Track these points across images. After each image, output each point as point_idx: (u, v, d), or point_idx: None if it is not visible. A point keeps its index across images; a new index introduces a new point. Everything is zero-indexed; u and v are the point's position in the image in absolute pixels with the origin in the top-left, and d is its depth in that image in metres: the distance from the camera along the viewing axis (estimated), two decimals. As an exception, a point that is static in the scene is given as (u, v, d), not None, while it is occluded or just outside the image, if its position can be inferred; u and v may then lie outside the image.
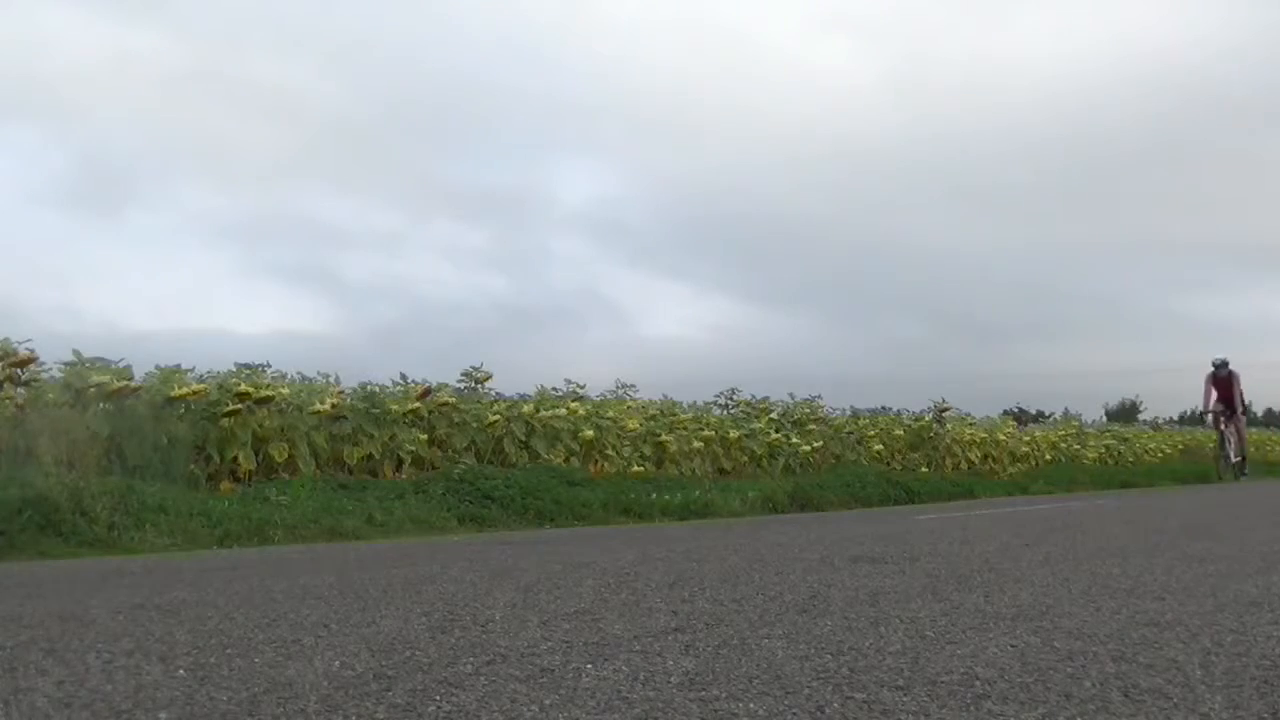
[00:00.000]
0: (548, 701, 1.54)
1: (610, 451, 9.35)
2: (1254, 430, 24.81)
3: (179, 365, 7.18)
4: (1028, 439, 15.34)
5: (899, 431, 13.01)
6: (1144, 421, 25.19)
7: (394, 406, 7.85)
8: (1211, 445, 16.72)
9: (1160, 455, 18.12)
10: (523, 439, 8.61)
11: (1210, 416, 16.08)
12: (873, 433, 12.59)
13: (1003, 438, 14.66)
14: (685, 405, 11.13)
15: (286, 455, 7.00)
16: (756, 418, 11.59)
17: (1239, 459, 16.00)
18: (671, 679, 1.68)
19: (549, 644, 1.99)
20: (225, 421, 6.72)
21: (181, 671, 1.77)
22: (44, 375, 6.57)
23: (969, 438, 13.85)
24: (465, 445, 8.25)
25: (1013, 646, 1.92)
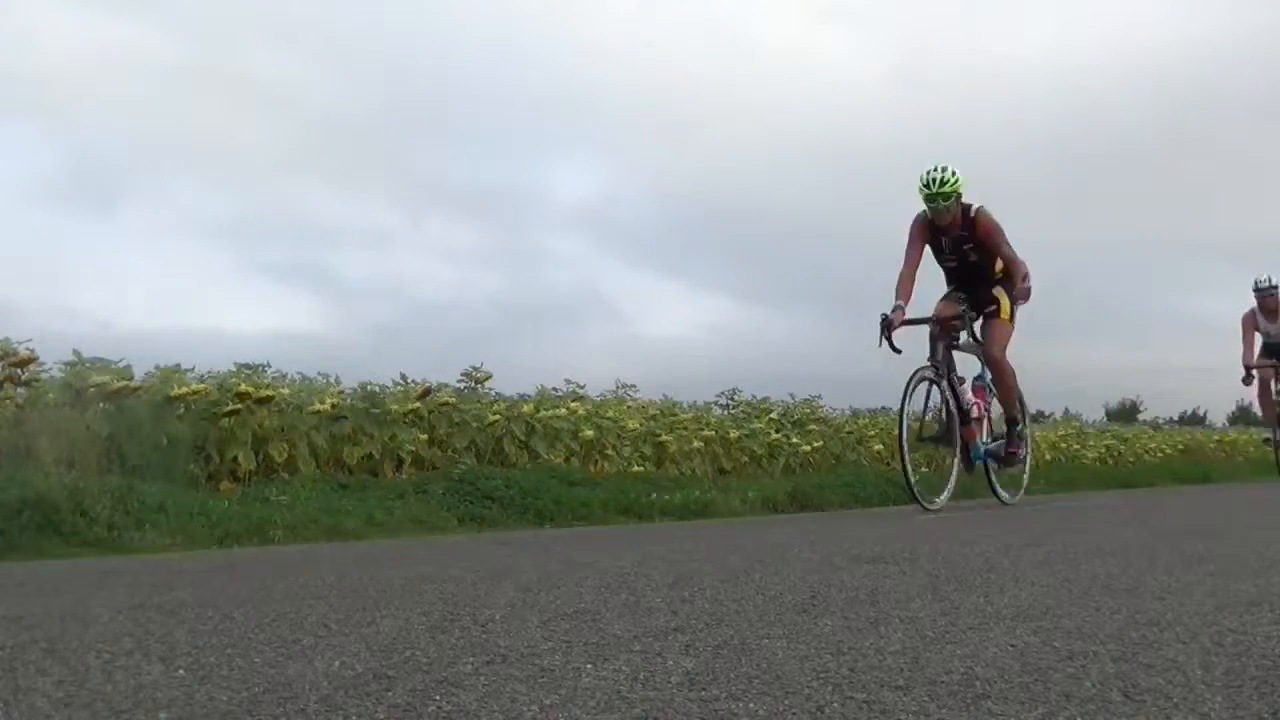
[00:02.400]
0: (548, 701, 1.54)
1: (610, 451, 9.35)
2: (1254, 430, 24.75)
3: (179, 365, 7.18)
4: (1028, 439, 15.33)
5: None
6: (1144, 421, 25.19)
7: (394, 406, 7.85)
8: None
9: (1160, 455, 18.12)
10: (523, 439, 8.60)
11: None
12: (873, 433, 12.58)
13: (1003, 438, 14.64)
14: (685, 405, 11.13)
15: (286, 455, 7.00)
16: (756, 418, 11.59)
17: None
18: (671, 679, 1.68)
19: (549, 644, 1.99)
20: (225, 421, 6.72)
21: (181, 671, 1.77)
22: (44, 375, 6.58)
23: (969, 438, 13.83)
24: (465, 445, 8.25)
25: (1013, 646, 1.92)
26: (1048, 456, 15.30)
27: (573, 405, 9.25)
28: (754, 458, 10.92)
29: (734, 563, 3.55)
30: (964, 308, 6.95)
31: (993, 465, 7.48)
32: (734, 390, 12.21)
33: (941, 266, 7.09)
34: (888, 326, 6.55)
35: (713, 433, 10.51)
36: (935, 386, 6.83)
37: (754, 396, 12.20)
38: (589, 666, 1.78)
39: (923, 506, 6.68)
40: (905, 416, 6.59)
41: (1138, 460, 17.29)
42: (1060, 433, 16.66)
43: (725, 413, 11.65)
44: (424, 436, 7.96)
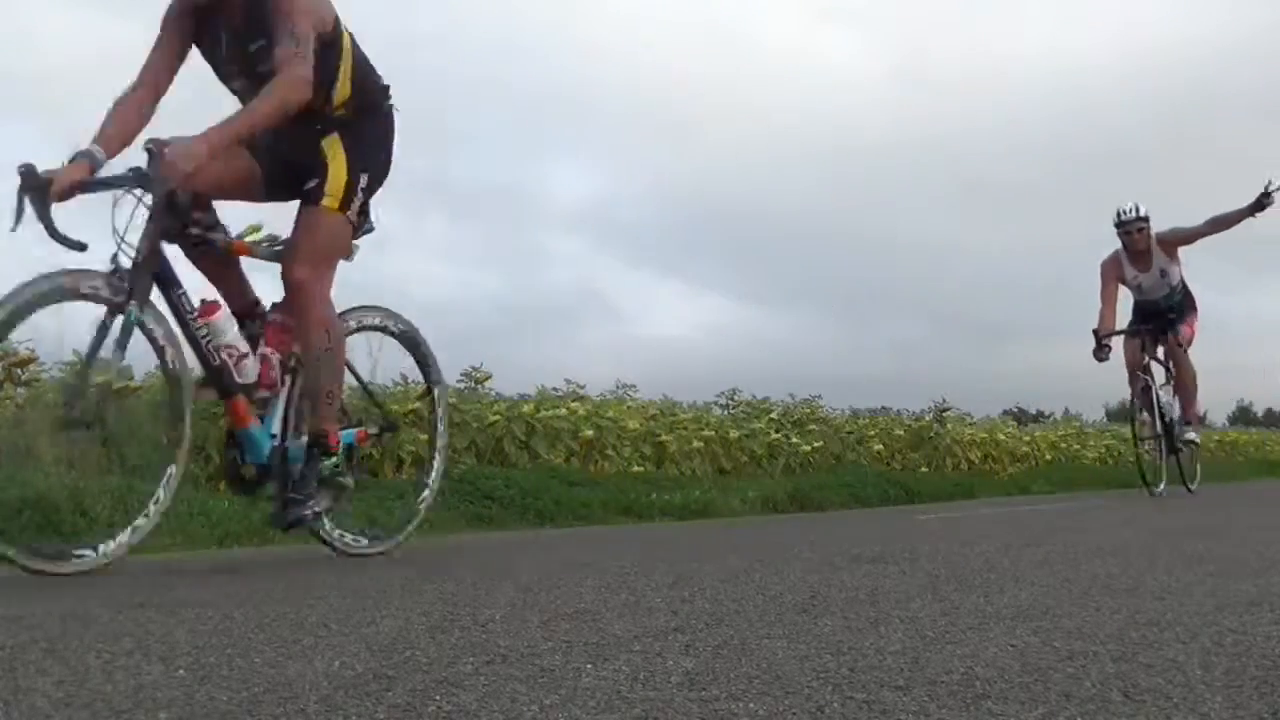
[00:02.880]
0: (548, 701, 1.54)
1: (610, 451, 9.35)
2: (1253, 430, 24.69)
3: (179, 365, 7.17)
4: (1028, 439, 15.35)
5: (899, 431, 13.01)
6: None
7: (394, 406, 7.85)
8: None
9: (1160, 455, 18.07)
10: (523, 439, 8.61)
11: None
12: (873, 433, 12.59)
13: (1003, 438, 14.66)
14: (685, 405, 11.14)
15: (286, 455, 6.99)
16: (756, 418, 11.59)
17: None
18: (671, 679, 1.68)
19: (549, 644, 1.99)
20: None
21: (181, 671, 1.77)
22: (44, 375, 6.58)
23: (969, 438, 13.85)
24: (465, 445, 8.25)
25: (1013, 646, 1.92)
26: (1048, 457, 15.31)
27: (573, 405, 9.26)
28: (754, 458, 10.92)
29: (734, 563, 3.55)
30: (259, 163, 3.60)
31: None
32: (734, 390, 12.23)
33: (227, 87, 3.62)
34: (34, 188, 3.15)
35: (713, 433, 10.51)
36: (120, 315, 3.29)
37: (754, 396, 12.22)
38: (589, 666, 1.78)
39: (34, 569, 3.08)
40: None
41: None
42: (1060, 433, 16.66)
43: (725, 413, 11.66)
44: (424, 436, 7.95)
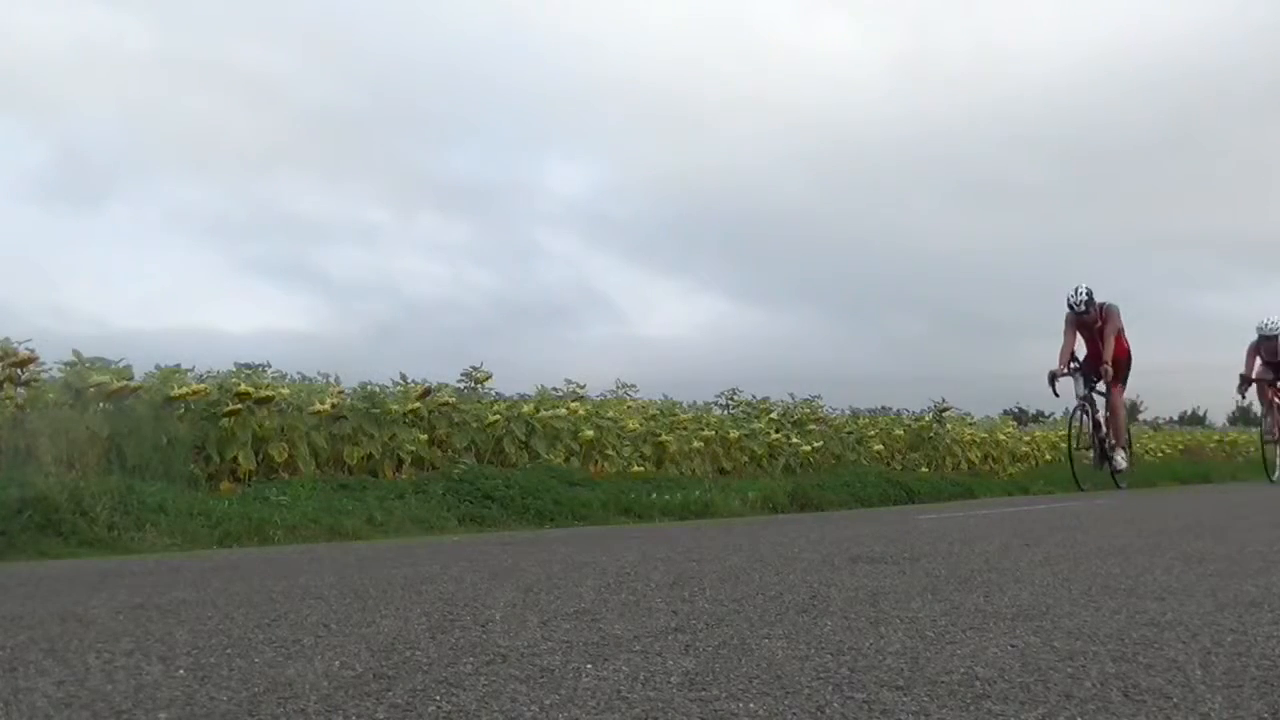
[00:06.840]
0: (548, 701, 1.54)
1: (610, 451, 9.35)
2: (1252, 430, 24.76)
3: (179, 365, 7.19)
4: (1028, 439, 15.35)
5: (899, 431, 13.01)
6: (1144, 421, 25.17)
7: (394, 406, 7.85)
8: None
9: (1160, 455, 18.13)
10: (523, 439, 8.61)
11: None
12: (873, 433, 12.59)
13: (1003, 438, 14.67)
14: (685, 405, 11.14)
15: (286, 455, 7.00)
16: (756, 418, 11.59)
17: None
18: (671, 679, 1.68)
19: (549, 644, 1.99)
20: (225, 421, 6.72)
21: (181, 671, 1.77)
22: (44, 375, 6.58)
23: (969, 438, 13.86)
24: (465, 445, 8.25)
25: (1013, 646, 1.92)
26: (1048, 457, 15.31)
27: (573, 405, 9.26)
28: (754, 458, 10.92)
29: (734, 563, 3.55)
30: None
31: None
32: (734, 390, 12.23)
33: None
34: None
35: (713, 433, 10.51)
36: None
37: (754, 396, 12.21)
38: (589, 666, 1.78)
39: None
40: None
41: (1138, 460, 17.26)
42: (1060, 433, 16.66)
43: (725, 413, 11.65)
44: (424, 436, 7.96)
